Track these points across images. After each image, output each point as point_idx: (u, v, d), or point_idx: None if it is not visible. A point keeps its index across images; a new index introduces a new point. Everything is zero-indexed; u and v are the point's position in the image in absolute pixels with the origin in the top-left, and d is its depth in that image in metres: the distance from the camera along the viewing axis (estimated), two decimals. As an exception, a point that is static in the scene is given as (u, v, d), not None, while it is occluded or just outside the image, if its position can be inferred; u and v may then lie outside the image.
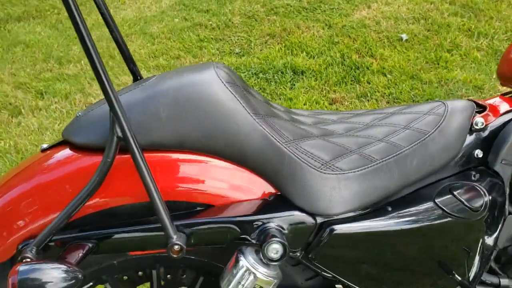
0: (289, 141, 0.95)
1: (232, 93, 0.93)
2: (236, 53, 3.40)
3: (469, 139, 1.05)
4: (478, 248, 1.00)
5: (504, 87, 1.17)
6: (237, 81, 0.97)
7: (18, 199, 0.91)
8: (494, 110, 1.08)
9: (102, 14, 1.06)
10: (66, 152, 0.94)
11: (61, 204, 0.87)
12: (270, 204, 0.95)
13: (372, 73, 3.03)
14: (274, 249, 0.89)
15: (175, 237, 0.85)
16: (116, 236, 0.89)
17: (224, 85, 0.93)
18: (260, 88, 2.96)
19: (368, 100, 2.81)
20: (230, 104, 0.92)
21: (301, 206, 0.93)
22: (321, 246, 0.94)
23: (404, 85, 2.90)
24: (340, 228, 0.93)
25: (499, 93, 3.00)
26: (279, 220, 0.92)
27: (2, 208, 0.92)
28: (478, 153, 1.05)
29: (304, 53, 3.28)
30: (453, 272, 0.99)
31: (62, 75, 3.30)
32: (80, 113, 0.97)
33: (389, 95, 2.85)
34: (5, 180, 0.96)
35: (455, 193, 0.98)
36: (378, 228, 0.94)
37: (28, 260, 0.84)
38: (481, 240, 0.99)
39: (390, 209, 0.96)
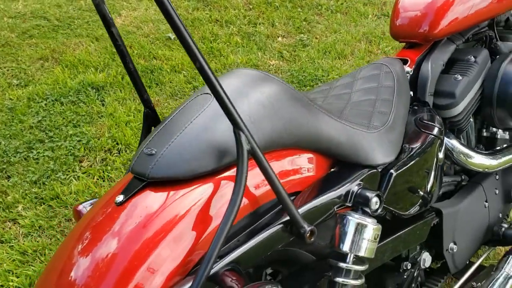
0: (339, 116, 1.16)
1: (292, 89, 1.05)
2: (17, 85, 3.14)
3: None
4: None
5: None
6: None
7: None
8: (410, 60, 1.51)
9: (117, 46, 1.06)
10: (167, 191, 0.91)
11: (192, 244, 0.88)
12: (345, 172, 1.14)
13: (168, 73, 3.27)
14: (374, 202, 1.08)
15: (305, 225, 0.95)
16: (252, 247, 0.93)
17: (282, 82, 1.04)
18: (74, 113, 2.87)
19: (181, 98, 3.07)
20: (296, 98, 1.05)
21: (368, 164, 1.17)
22: (388, 189, 1.19)
23: (201, 78, 3.23)
24: (396, 171, 1.21)
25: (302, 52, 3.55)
26: (359, 180, 1.11)
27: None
28: (411, 93, 1.46)
29: (92, 68, 3.27)
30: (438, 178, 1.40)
31: None
32: (154, 150, 0.91)
33: (194, 89, 3.15)
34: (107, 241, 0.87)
35: (424, 121, 1.36)
36: (410, 162, 1.25)
37: None
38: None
39: (407, 145, 1.30)
